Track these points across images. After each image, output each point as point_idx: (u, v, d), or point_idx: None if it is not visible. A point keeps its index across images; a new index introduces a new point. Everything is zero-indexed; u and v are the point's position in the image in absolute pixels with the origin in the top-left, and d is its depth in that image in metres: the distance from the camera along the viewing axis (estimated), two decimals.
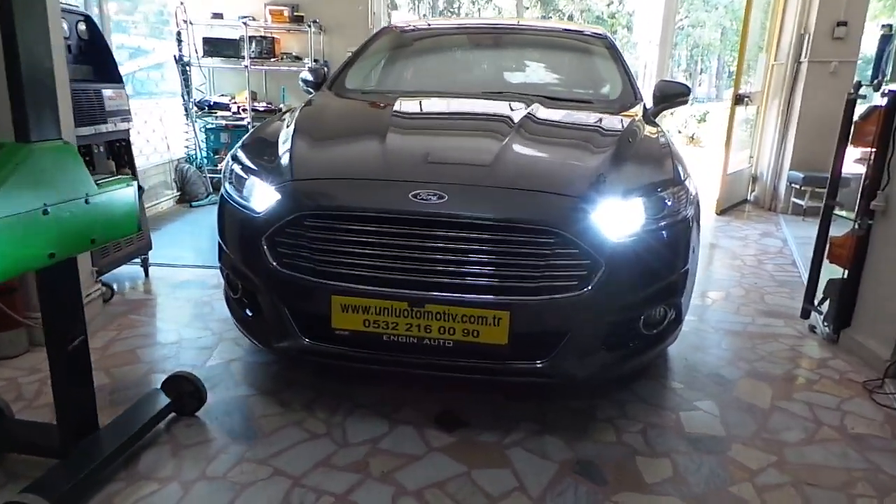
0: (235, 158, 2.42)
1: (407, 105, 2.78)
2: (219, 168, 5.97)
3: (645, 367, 2.53)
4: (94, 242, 1.79)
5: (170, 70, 5.75)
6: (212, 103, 5.87)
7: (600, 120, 2.71)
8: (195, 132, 5.76)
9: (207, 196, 5.59)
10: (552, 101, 2.91)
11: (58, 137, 1.69)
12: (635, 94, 3.21)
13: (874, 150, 2.76)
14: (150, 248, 3.65)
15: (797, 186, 5.83)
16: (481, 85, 3.33)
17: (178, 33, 5.56)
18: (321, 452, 2.00)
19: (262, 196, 2.16)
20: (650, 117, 2.99)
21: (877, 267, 2.78)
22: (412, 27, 4.09)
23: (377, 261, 1.99)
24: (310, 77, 3.44)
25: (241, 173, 2.31)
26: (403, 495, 1.81)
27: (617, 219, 2.01)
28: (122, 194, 1.89)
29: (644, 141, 2.51)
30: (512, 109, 2.64)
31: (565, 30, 4.06)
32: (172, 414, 2.16)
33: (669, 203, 2.16)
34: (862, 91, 3.00)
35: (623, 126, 2.60)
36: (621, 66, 3.44)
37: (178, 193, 5.59)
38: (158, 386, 2.17)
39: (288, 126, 2.53)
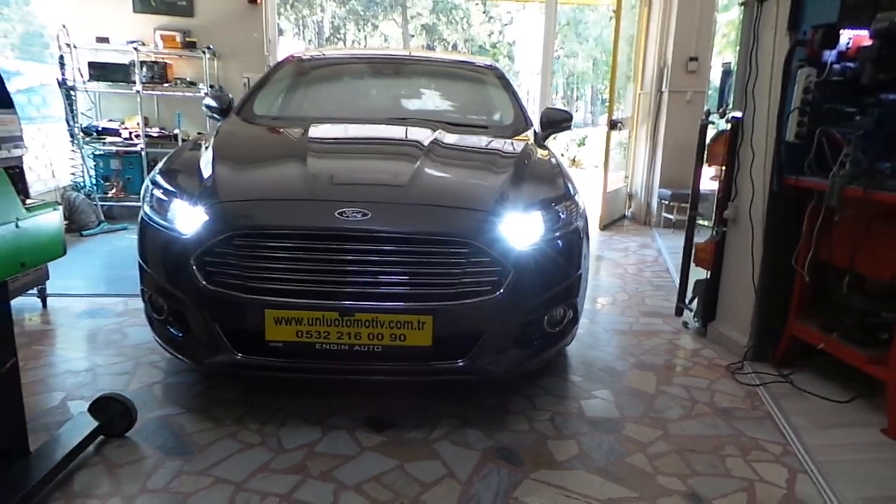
0: (155, 183, 2.47)
1: (321, 131, 2.95)
2: (110, 195, 5.77)
3: (549, 362, 2.83)
4: (24, 266, 1.81)
5: (52, 94, 5.50)
6: (100, 129, 5.67)
7: (498, 144, 3.01)
8: (83, 159, 5.54)
9: (99, 224, 5.37)
10: (454, 126, 3.18)
11: None
12: (526, 120, 3.56)
13: (724, 167, 3.26)
14: (48, 279, 3.51)
15: (666, 202, 6.53)
16: (384, 112, 3.54)
17: (61, 57, 5.35)
18: (259, 459, 2.10)
19: (189, 218, 2.24)
20: (540, 141, 3.35)
21: (731, 267, 3.27)
22: (313, 57, 4.25)
23: (308, 275, 2.14)
24: (214, 103, 3.51)
25: (163, 197, 2.38)
26: (344, 490, 1.96)
27: (520, 230, 2.29)
28: (50, 219, 1.91)
29: (538, 162, 2.83)
30: (420, 135, 2.88)
31: (460, 61, 4.39)
32: (101, 437, 2.16)
33: (563, 216, 2.47)
34: (711, 118, 3.53)
35: (518, 149, 2.91)
36: (512, 95, 3.79)
37: (66, 223, 5.33)
38: (80, 411, 2.17)
39: (206, 151, 2.62)
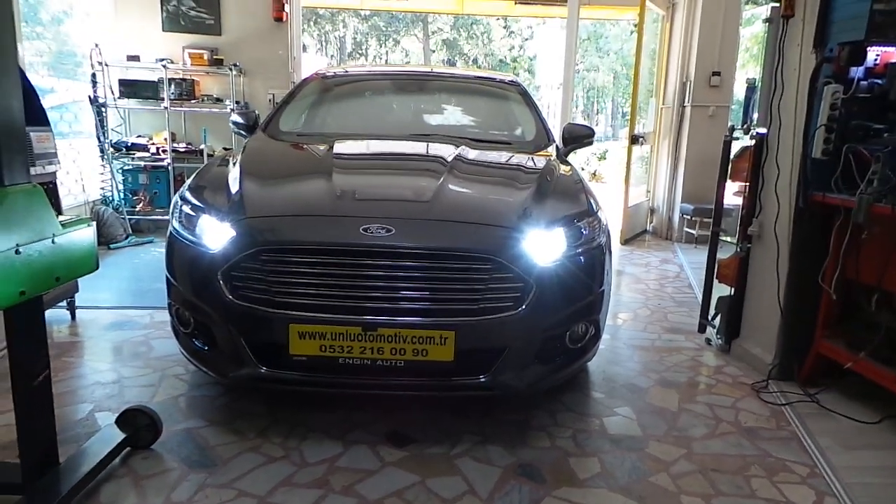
0: (184, 199, 2.52)
1: (346, 147, 3.00)
2: (137, 209, 5.88)
3: (571, 378, 2.81)
4: (59, 280, 1.85)
5: (83, 111, 5.65)
6: (129, 144, 5.81)
7: (520, 160, 3.03)
8: (112, 173, 5.66)
9: (127, 238, 5.48)
10: (477, 142, 3.21)
11: (27, 181, 1.77)
12: (548, 135, 3.57)
13: (748, 183, 3.24)
14: (77, 291, 3.59)
15: (688, 217, 6.48)
16: (407, 128, 3.59)
17: (94, 75, 5.50)
18: (282, 473, 2.11)
19: (216, 233, 2.28)
20: (562, 156, 3.36)
21: (756, 284, 3.23)
22: (337, 74, 4.32)
23: (332, 290, 2.16)
24: (240, 120, 3.59)
25: (191, 212, 2.43)
26: None
27: (543, 246, 2.29)
28: (83, 234, 1.96)
29: (560, 178, 2.84)
30: (443, 151, 2.91)
31: (482, 77, 4.43)
32: (127, 448, 2.20)
33: (585, 232, 2.47)
34: (735, 134, 3.51)
35: (541, 165, 2.92)
36: (534, 111, 3.82)
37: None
38: (108, 423, 2.21)
39: (234, 167, 2.67)
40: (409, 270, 2.17)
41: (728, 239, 3.73)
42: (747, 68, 11.51)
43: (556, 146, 3.46)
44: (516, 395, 2.49)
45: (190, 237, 2.37)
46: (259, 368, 2.24)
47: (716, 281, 3.56)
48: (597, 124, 31.55)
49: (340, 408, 2.56)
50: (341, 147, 2.95)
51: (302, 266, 2.18)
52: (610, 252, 2.65)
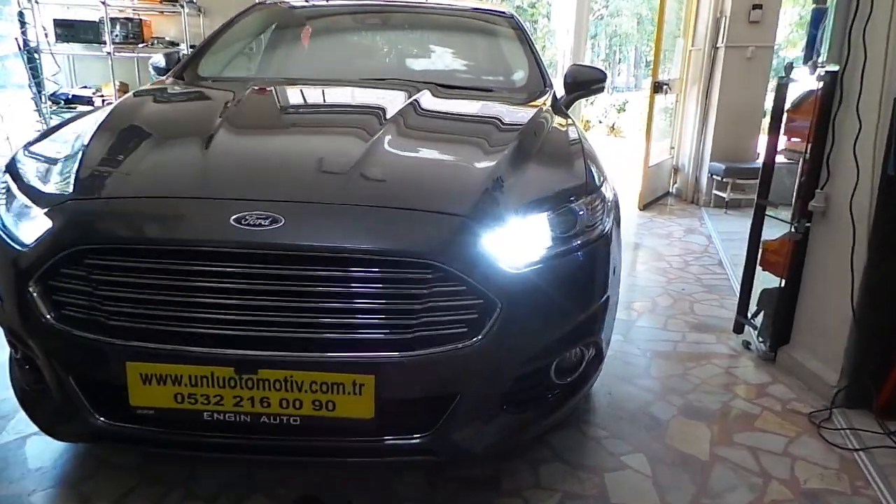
0: (9, 168, 1.77)
1: (252, 98, 2.20)
2: None
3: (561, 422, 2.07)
4: None
5: (12, 58, 4.90)
6: (70, 96, 5.05)
7: (500, 111, 2.24)
8: None
9: None
10: (444, 88, 2.41)
11: None
12: (544, 80, 2.76)
13: (810, 142, 2.41)
14: None
15: (719, 178, 5.60)
16: (359, 72, 2.79)
17: (21, 13, 4.71)
18: None
19: (32, 222, 1.54)
20: (561, 107, 2.56)
21: (817, 276, 2.44)
22: (290, 4, 3.49)
23: (189, 311, 1.42)
24: (161, 64, 2.83)
25: (13, 189, 1.68)
26: None
27: (516, 242, 1.52)
28: None
29: (552, 136, 2.05)
30: (389, 100, 2.12)
31: (466, 8, 3.57)
32: None
33: (582, 215, 1.69)
34: (793, 74, 2.65)
35: (527, 118, 2.12)
36: (529, 50, 2.99)
37: None
38: None
39: (94, 123, 1.91)
40: (305, 282, 1.41)
41: (774, 214, 2.91)
42: (786, 7, 10.32)
43: (554, 94, 2.65)
44: (472, 460, 1.76)
45: (5, 226, 1.63)
46: (95, 420, 1.53)
47: (759, 268, 2.77)
48: (619, 74, 30.10)
49: (239, 459, 1.86)
50: (247, 97, 2.16)
51: (143, 275, 1.43)
52: (619, 239, 1.89)
